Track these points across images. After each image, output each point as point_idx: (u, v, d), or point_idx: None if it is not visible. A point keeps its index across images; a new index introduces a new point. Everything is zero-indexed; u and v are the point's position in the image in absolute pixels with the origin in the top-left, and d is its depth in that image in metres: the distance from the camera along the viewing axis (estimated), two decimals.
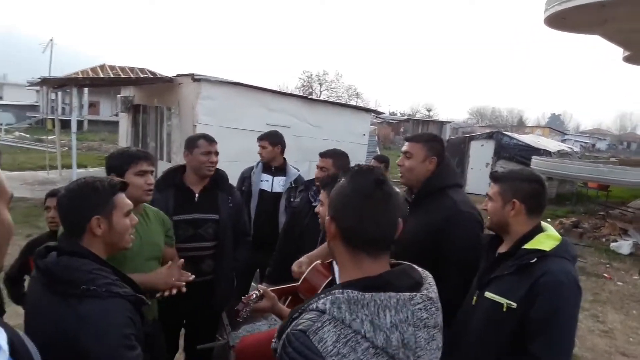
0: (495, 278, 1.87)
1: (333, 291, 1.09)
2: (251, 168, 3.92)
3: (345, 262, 1.19)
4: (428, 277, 1.21)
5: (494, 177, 2.01)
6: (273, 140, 3.83)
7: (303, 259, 2.42)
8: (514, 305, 1.76)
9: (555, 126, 65.31)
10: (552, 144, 19.49)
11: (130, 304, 1.51)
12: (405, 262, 1.23)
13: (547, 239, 1.84)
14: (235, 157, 8.90)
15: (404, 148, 2.42)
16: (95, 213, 1.58)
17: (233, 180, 3.65)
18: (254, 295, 1.91)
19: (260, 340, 2.34)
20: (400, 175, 2.42)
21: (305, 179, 3.86)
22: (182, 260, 2.30)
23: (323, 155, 3.13)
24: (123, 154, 2.31)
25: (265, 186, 3.81)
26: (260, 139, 3.89)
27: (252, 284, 4.17)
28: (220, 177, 2.98)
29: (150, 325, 2.04)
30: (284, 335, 1.09)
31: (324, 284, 2.18)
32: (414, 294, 1.11)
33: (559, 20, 12.49)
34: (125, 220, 1.68)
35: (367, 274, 1.13)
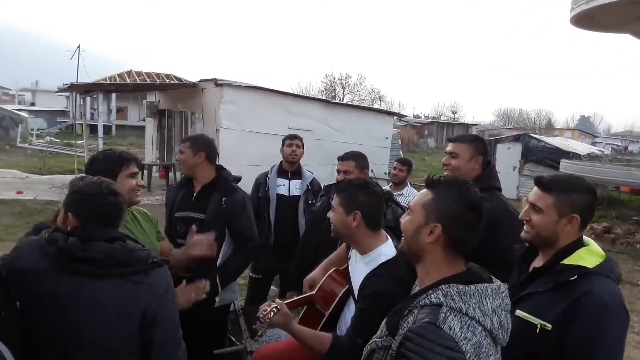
0: (528, 295, 1.71)
1: (439, 287, 1.27)
2: (265, 174, 3.87)
3: (438, 263, 1.36)
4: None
5: (546, 185, 1.74)
6: (303, 142, 3.87)
7: (316, 272, 2.37)
8: (549, 327, 1.59)
9: (584, 128, 63.57)
10: (581, 147, 18.97)
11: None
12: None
13: (590, 254, 1.67)
14: (258, 161, 8.93)
15: (449, 148, 2.49)
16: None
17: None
18: (272, 313, 1.87)
19: (280, 350, 2.30)
20: (447, 174, 2.42)
21: (325, 183, 3.82)
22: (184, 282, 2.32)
23: (344, 158, 3.09)
24: (112, 156, 2.32)
25: (283, 191, 3.77)
26: (294, 137, 3.84)
27: (273, 287, 4.14)
28: (220, 177, 2.95)
29: None
30: (402, 332, 1.25)
31: (341, 292, 2.12)
32: (498, 283, 1.32)
33: (587, 20, 12.14)
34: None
35: (458, 271, 1.33)
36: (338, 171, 3.10)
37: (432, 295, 1.26)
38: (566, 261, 1.65)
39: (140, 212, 2.51)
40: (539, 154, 15.57)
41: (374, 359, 1.37)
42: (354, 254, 2.10)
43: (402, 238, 1.45)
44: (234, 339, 2.91)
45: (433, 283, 1.32)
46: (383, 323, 1.42)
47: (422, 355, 1.17)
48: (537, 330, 1.61)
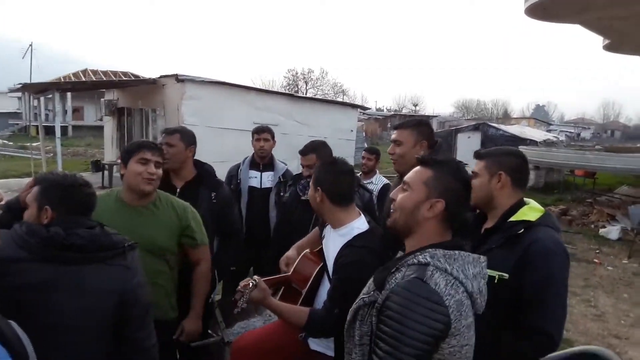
0: (483, 253, 1.85)
1: (426, 250, 1.36)
2: (237, 166, 3.85)
3: (432, 234, 1.43)
4: None
5: (479, 154, 2.02)
6: (273, 133, 3.80)
7: (290, 251, 2.42)
8: (506, 276, 1.76)
9: (540, 117, 65.94)
10: (538, 134, 19.70)
11: None
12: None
13: (532, 210, 1.89)
14: (223, 157, 8.84)
15: (393, 136, 2.43)
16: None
17: (221, 179, 3.61)
18: (250, 284, 1.90)
19: (259, 336, 2.32)
20: (393, 163, 2.41)
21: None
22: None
23: (304, 152, 3.14)
24: (133, 144, 2.37)
25: (254, 183, 3.76)
26: (262, 131, 3.75)
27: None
28: (205, 172, 2.91)
29: None
30: (390, 287, 1.32)
31: (316, 270, 2.17)
32: (479, 256, 1.43)
33: (540, 11, 12.58)
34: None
35: (443, 240, 1.43)
36: (302, 166, 3.13)
37: (420, 256, 1.35)
38: (512, 218, 1.87)
39: (172, 205, 2.41)
40: (497, 141, 16.06)
41: (358, 317, 1.41)
42: (328, 230, 2.17)
43: (394, 212, 1.50)
44: (210, 331, 2.92)
45: (421, 247, 1.40)
46: (370, 281, 1.47)
47: (408, 308, 1.24)
48: (496, 281, 1.76)
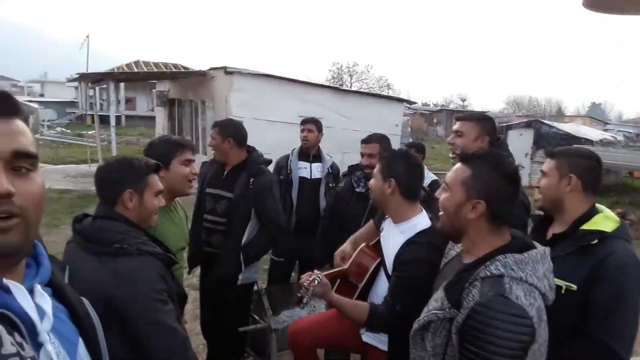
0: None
1: (496, 258, 1.32)
2: (287, 157, 3.90)
3: (485, 235, 1.39)
4: None
5: (550, 152, 1.92)
6: (319, 125, 3.86)
7: (346, 245, 2.40)
8: (574, 287, 1.67)
9: (595, 115, 62.73)
10: (594, 133, 18.75)
11: (161, 262, 1.60)
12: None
13: (607, 220, 1.77)
14: (269, 149, 8.88)
15: (455, 127, 2.42)
16: (129, 187, 1.68)
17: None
18: (316, 282, 1.91)
19: (317, 322, 2.35)
20: (451, 154, 2.37)
21: (339, 168, 3.90)
22: None
23: (367, 141, 3.12)
24: (168, 142, 2.31)
25: (304, 173, 3.80)
26: (306, 122, 3.85)
27: (292, 274, 4.17)
28: (250, 158, 2.98)
29: (181, 286, 2.11)
30: (469, 305, 1.28)
31: (373, 265, 2.15)
32: (543, 248, 1.39)
33: (601, 2, 11.95)
34: (154, 200, 1.75)
35: (506, 241, 1.39)
36: (362, 154, 3.10)
37: (492, 267, 1.31)
38: (585, 226, 1.76)
39: (181, 207, 2.48)
40: (550, 140, 15.39)
41: (430, 329, 1.39)
42: (387, 224, 2.13)
43: (441, 215, 1.47)
44: (257, 317, 2.96)
45: (487, 254, 1.37)
46: (442, 295, 1.42)
47: (495, 327, 1.22)
48: (562, 291, 1.68)
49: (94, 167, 13.75)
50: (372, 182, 2.09)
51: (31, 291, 0.72)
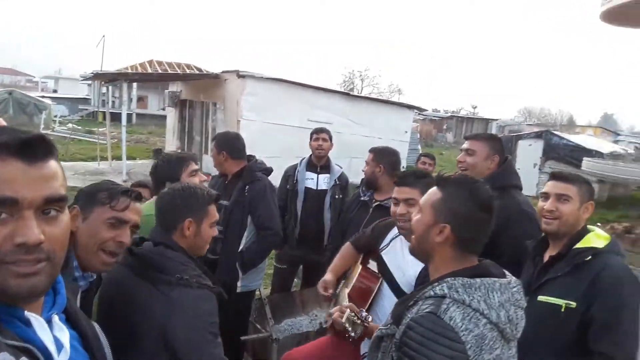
0: (548, 281, 1.87)
1: (444, 280, 1.27)
2: (294, 166, 3.92)
3: (448, 261, 1.35)
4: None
5: (569, 177, 1.97)
6: (330, 135, 3.89)
7: (327, 276, 2.36)
8: (574, 304, 1.75)
9: (607, 126, 62.06)
10: (604, 145, 18.61)
11: (215, 295, 1.63)
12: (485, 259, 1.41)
13: (597, 237, 1.87)
14: (278, 153, 8.98)
15: (465, 145, 2.48)
16: (190, 215, 1.70)
17: (276, 175, 3.68)
18: (369, 319, 1.78)
19: (309, 351, 2.33)
20: (461, 171, 2.40)
21: (347, 176, 3.93)
22: None
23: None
24: (171, 160, 2.40)
25: (311, 184, 3.82)
26: (320, 131, 3.85)
27: (295, 280, 4.21)
28: (247, 167, 3.05)
29: None
30: (405, 321, 1.26)
31: (377, 286, 2.16)
32: (510, 279, 1.32)
33: (618, 16, 11.86)
34: (210, 230, 1.79)
35: (466, 266, 1.32)
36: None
37: (437, 287, 1.27)
38: (578, 245, 1.85)
39: None
40: (560, 151, 15.32)
41: (381, 348, 1.38)
42: (399, 241, 2.15)
43: (412, 237, 1.44)
44: (258, 327, 2.99)
45: (440, 276, 1.32)
46: (390, 312, 1.43)
47: (422, 345, 1.19)
48: (562, 310, 1.76)
49: (102, 165, 13.93)
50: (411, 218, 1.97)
51: (49, 321, 0.76)
